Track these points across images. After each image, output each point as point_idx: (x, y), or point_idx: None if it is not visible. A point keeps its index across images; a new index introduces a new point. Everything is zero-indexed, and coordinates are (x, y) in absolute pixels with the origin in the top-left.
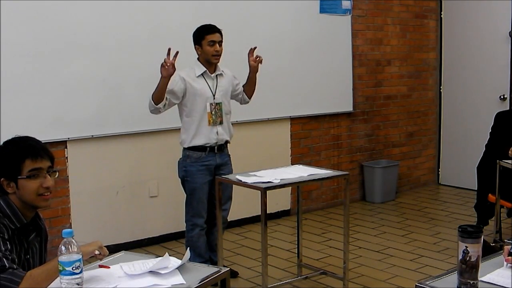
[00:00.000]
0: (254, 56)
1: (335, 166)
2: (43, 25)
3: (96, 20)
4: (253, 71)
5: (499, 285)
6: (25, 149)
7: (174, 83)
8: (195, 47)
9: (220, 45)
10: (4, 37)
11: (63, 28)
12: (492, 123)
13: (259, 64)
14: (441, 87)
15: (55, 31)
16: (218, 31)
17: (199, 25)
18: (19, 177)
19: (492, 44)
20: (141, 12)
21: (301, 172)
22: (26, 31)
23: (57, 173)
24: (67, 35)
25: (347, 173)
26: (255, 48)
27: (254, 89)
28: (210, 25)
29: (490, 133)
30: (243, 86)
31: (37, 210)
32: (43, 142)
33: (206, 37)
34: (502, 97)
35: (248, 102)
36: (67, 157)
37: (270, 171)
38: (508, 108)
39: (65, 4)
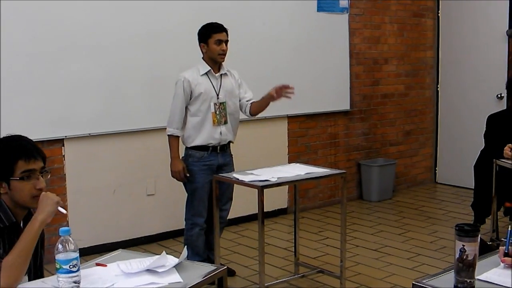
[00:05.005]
0: (282, 92)
1: (332, 165)
2: (40, 25)
3: (94, 20)
4: (270, 99)
5: (496, 284)
6: (17, 149)
7: (182, 89)
8: (200, 45)
9: (226, 44)
10: (3, 37)
11: (61, 28)
12: (485, 127)
13: (280, 97)
14: (438, 86)
15: (53, 31)
16: (225, 30)
17: (198, 24)
18: (11, 178)
19: (489, 43)
20: (138, 12)
21: (298, 170)
22: (24, 31)
23: (49, 173)
24: (65, 34)
25: (344, 171)
26: (288, 87)
27: (262, 111)
28: (217, 23)
29: (485, 136)
30: (252, 102)
31: (30, 209)
32: (40, 140)
33: (213, 35)
34: (499, 95)
35: (249, 116)
36: (64, 155)
37: (267, 170)
38: (505, 107)
39: (63, 4)
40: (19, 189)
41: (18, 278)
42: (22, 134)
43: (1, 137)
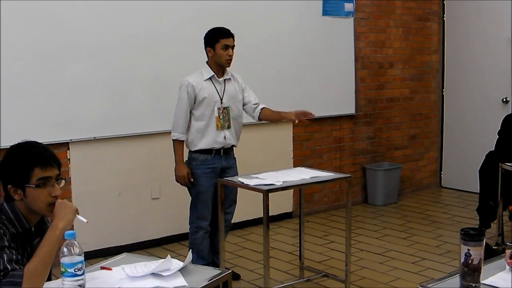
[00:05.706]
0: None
1: (337, 169)
2: (44, 26)
3: (98, 21)
4: (288, 120)
5: None
6: (34, 156)
7: (186, 93)
8: (206, 49)
9: (233, 50)
10: (6, 38)
11: (65, 29)
12: (500, 127)
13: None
14: (443, 90)
15: (57, 32)
16: (232, 35)
17: (203, 27)
18: (27, 185)
19: (494, 47)
20: (142, 13)
21: (303, 174)
22: (27, 32)
23: (65, 180)
24: (69, 36)
25: (349, 175)
26: (310, 115)
27: (271, 122)
28: (225, 28)
29: (499, 133)
30: (264, 108)
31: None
32: (45, 144)
33: (220, 40)
34: (504, 99)
35: (256, 120)
36: (69, 159)
37: (272, 174)
38: (510, 111)
39: (67, 5)
40: (34, 197)
41: (40, 286)
42: (27, 138)
43: (17, 143)
